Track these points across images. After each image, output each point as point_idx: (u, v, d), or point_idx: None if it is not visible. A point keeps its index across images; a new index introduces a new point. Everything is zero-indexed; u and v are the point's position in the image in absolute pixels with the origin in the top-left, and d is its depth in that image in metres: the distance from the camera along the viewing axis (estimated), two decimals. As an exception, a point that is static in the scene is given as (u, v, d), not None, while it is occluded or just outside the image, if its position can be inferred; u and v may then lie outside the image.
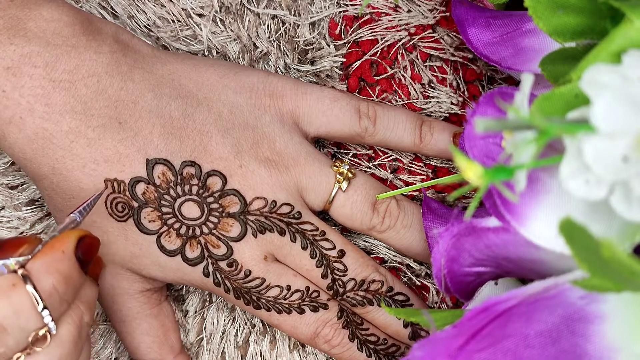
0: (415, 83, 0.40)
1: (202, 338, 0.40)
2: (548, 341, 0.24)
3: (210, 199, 0.35)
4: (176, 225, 0.35)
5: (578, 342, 0.24)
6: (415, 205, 0.38)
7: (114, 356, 0.40)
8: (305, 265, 0.36)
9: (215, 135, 0.35)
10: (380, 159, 0.40)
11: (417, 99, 0.40)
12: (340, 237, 0.37)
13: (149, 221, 0.34)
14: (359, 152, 0.40)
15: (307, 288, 0.36)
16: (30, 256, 0.29)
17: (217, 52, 0.40)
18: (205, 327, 0.40)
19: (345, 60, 0.40)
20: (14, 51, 0.32)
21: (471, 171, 0.21)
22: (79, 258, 0.30)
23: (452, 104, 0.40)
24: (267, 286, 0.36)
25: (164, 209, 0.34)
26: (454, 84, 0.40)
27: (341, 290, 0.37)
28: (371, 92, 0.40)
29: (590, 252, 0.21)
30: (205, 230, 0.35)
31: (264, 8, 0.39)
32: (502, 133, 0.25)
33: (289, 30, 0.39)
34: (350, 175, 0.37)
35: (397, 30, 0.40)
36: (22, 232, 0.39)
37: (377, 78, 0.40)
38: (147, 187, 0.34)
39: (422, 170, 0.40)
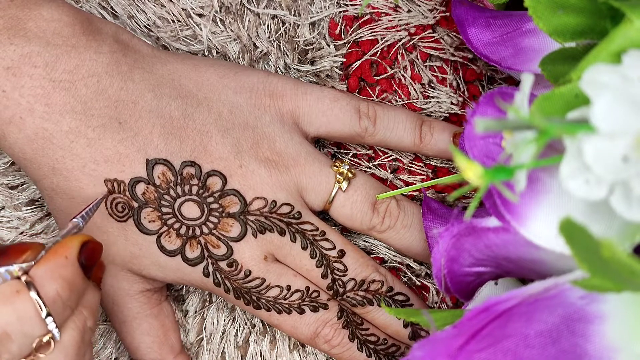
0: (415, 83, 0.40)
1: (202, 338, 0.40)
2: (548, 341, 0.24)
3: (210, 199, 0.35)
4: (176, 226, 0.35)
5: (578, 342, 0.24)
6: (415, 205, 0.38)
7: (114, 356, 0.40)
8: (305, 265, 0.36)
9: (215, 135, 0.35)
10: (380, 159, 0.40)
11: (417, 99, 0.40)
12: (340, 237, 0.37)
13: (149, 221, 0.34)
14: (359, 152, 0.40)
15: (307, 288, 0.36)
16: (33, 262, 0.28)
17: (217, 52, 0.40)
18: (205, 327, 0.40)
19: (345, 60, 0.40)
20: (14, 51, 0.32)
21: (471, 171, 0.21)
22: (82, 263, 0.30)
23: (452, 104, 0.40)
24: (267, 286, 0.36)
25: (164, 209, 0.34)
26: (454, 84, 0.40)
27: (341, 290, 0.37)
28: (371, 92, 0.40)
29: (590, 252, 0.21)
30: (205, 230, 0.35)
31: (264, 8, 0.39)
32: (502, 133, 0.25)
33: (289, 30, 0.39)
34: (350, 175, 0.37)
35: (397, 30, 0.40)
36: (22, 232, 0.39)
37: (377, 78, 0.40)
38: (147, 187, 0.34)
39: (422, 170, 0.40)
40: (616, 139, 0.20)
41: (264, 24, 0.39)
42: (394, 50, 0.40)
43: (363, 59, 0.40)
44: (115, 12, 0.39)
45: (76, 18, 0.34)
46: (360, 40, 0.40)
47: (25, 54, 0.32)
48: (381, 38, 0.40)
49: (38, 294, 0.28)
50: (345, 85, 0.40)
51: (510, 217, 0.26)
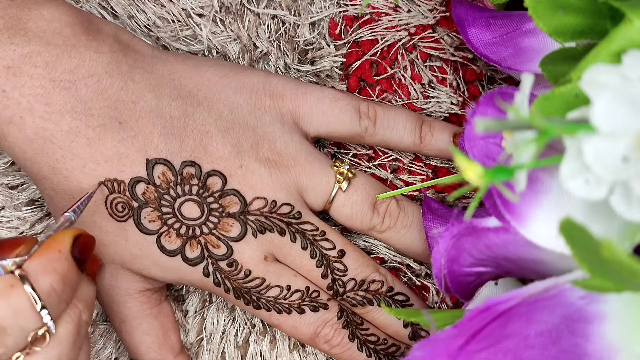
0: (415, 83, 0.40)
1: (202, 338, 0.40)
2: (548, 341, 0.24)
3: (210, 199, 0.35)
4: (176, 225, 0.35)
5: (578, 342, 0.24)
6: (415, 205, 0.38)
7: (114, 356, 0.40)
8: (305, 265, 0.36)
9: (215, 135, 0.35)
10: (380, 159, 0.40)
11: (417, 99, 0.40)
12: (340, 237, 0.37)
13: (149, 221, 0.34)
14: (359, 152, 0.40)
15: (307, 288, 0.36)
16: (27, 256, 0.29)
17: (217, 52, 0.40)
18: (205, 327, 0.40)
19: (345, 60, 0.40)
20: (14, 51, 0.32)
21: (471, 171, 0.21)
22: (76, 257, 0.30)
23: (452, 104, 0.40)
24: (267, 286, 0.36)
25: (164, 209, 0.34)
26: (454, 84, 0.40)
27: (341, 290, 0.37)
28: (371, 92, 0.40)
29: (590, 252, 0.21)
30: (205, 230, 0.35)
31: (264, 8, 0.39)
32: (502, 133, 0.25)
33: (289, 30, 0.39)
34: (350, 175, 0.37)
35: (397, 30, 0.40)
36: (22, 232, 0.39)
37: (377, 78, 0.40)
38: (147, 187, 0.34)
39: (422, 170, 0.40)
40: (616, 139, 0.20)
41: (264, 24, 0.39)
42: (394, 50, 0.40)
43: (363, 59, 0.40)
44: (115, 12, 0.39)
45: (76, 18, 0.34)
46: (360, 40, 0.40)
47: (26, 54, 0.32)
48: (381, 38, 0.40)
49: (32, 288, 0.28)
50: (345, 85, 0.40)
51: (510, 217, 0.26)
